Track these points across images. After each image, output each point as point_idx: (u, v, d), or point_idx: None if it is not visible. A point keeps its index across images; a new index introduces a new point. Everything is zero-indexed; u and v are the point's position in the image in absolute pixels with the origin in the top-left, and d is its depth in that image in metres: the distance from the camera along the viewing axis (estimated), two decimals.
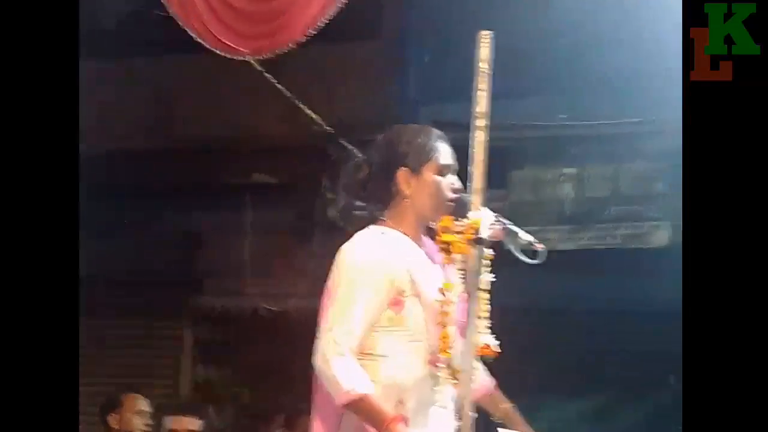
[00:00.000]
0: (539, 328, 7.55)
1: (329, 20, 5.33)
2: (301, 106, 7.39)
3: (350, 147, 7.19)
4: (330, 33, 7.37)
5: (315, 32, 5.17)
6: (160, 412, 6.59)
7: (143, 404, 6.63)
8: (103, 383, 7.85)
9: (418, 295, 3.63)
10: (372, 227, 3.74)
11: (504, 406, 3.90)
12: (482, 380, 3.83)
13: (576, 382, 7.64)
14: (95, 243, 8.37)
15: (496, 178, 6.98)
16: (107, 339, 8.65)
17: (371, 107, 7.28)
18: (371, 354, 3.62)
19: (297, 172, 7.86)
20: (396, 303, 3.63)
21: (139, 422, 6.52)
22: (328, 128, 7.57)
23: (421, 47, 7.73)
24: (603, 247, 7.25)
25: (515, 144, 7.22)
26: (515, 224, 3.54)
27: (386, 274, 3.62)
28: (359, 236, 3.72)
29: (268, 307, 8.28)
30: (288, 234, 8.13)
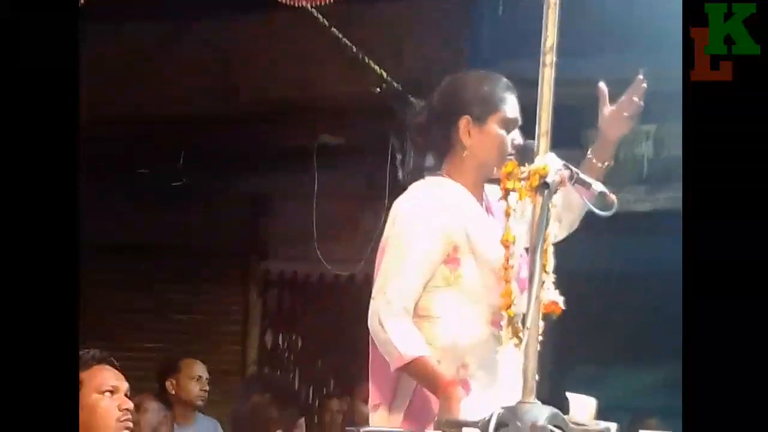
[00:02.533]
0: (615, 292, 7.31)
1: None
2: (369, 62, 7.16)
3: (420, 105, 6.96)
4: None
5: None
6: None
7: (201, 370, 6.57)
8: (169, 349, 7.83)
9: (474, 252, 3.41)
10: (428, 178, 3.53)
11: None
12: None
13: (650, 350, 7.39)
14: (162, 210, 8.30)
15: (571, 137, 6.81)
16: (174, 305, 8.57)
17: (442, 64, 7.03)
18: (428, 315, 3.42)
19: (365, 133, 7.67)
20: (451, 260, 3.42)
21: (195, 388, 6.47)
22: (396, 85, 7.34)
23: (494, 2, 7.48)
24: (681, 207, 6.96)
25: (592, 101, 6.96)
26: None
27: (440, 228, 3.41)
28: (413, 188, 3.52)
29: (336, 272, 8.11)
30: (356, 197, 7.95)
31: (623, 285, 7.35)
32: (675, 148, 7.04)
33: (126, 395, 4.17)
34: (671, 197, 7.02)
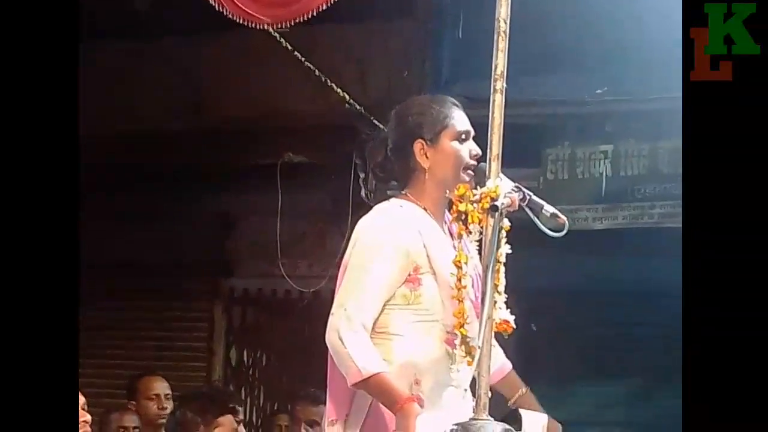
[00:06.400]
0: (574, 309, 7.39)
1: None
2: (332, 84, 7.24)
3: (382, 126, 7.04)
4: (362, 11, 7.27)
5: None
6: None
7: (160, 387, 6.39)
8: (134, 366, 7.81)
9: (434, 272, 3.48)
10: (391, 200, 3.61)
11: (519, 390, 3.73)
12: (500, 363, 3.68)
13: (611, 366, 7.47)
14: (127, 227, 8.33)
15: (530, 156, 6.91)
16: (139, 321, 8.59)
17: (403, 86, 7.14)
18: (385, 332, 3.49)
19: (329, 152, 7.74)
20: (412, 280, 3.49)
21: (153, 407, 6.30)
22: (359, 107, 7.42)
23: (454, 25, 7.58)
24: (639, 226, 7.07)
25: (550, 121, 7.06)
26: (549, 203, 3.38)
27: (402, 249, 3.49)
28: (376, 209, 3.61)
29: (300, 288, 8.16)
30: (320, 214, 8.02)
31: (584, 301, 7.43)
32: (632, 168, 7.15)
33: (83, 409, 4.22)
34: (629, 215, 7.12)
